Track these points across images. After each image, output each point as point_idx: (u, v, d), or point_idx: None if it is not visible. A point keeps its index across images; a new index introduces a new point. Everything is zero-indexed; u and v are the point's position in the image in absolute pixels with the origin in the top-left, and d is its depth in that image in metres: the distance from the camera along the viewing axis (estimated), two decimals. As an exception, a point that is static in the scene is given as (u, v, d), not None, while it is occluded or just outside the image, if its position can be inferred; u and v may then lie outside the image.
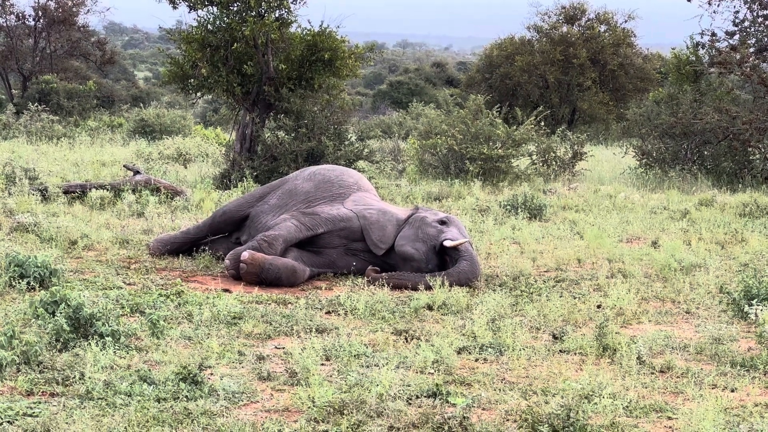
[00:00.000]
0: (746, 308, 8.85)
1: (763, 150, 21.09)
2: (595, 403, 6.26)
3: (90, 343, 7.11)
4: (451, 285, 9.80)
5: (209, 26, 17.73)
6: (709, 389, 6.86)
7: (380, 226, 10.73)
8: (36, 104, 29.22)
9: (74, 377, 6.56)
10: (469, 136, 20.08)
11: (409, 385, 6.66)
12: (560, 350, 7.80)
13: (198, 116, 40.16)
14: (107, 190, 14.92)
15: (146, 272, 10.38)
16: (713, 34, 23.11)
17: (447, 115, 21.53)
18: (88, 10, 37.39)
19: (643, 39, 37.83)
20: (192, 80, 18.22)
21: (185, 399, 6.25)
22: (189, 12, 18.02)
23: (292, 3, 17.90)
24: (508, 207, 15.31)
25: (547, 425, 5.81)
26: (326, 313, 8.93)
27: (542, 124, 21.61)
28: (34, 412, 5.95)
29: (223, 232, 11.49)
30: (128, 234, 12.33)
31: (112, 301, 8.57)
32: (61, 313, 7.36)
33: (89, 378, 6.52)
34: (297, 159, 17.27)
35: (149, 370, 6.72)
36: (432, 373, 7.06)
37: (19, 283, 9.14)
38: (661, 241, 12.80)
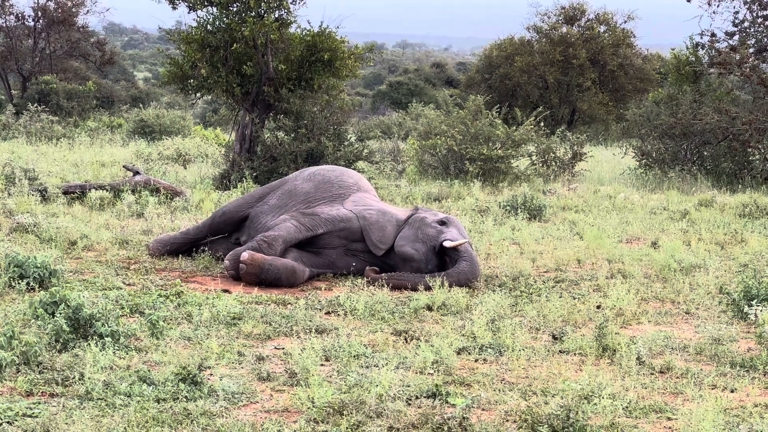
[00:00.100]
0: (746, 309, 8.85)
1: (762, 150, 21.09)
2: (595, 404, 6.26)
3: (89, 344, 7.11)
4: (450, 285, 9.80)
5: (209, 27, 17.73)
6: (708, 390, 6.86)
7: (380, 227, 10.73)
8: (35, 105, 29.21)
9: (74, 378, 6.56)
10: (468, 136, 20.09)
11: (408, 386, 6.66)
12: (560, 351, 7.80)
13: (197, 117, 40.14)
14: (107, 190, 14.92)
15: (146, 273, 10.38)
16: (713, 35, 23.12)
17: (446, 116, 21.53)
18: (88, 11, 37.43)
19: (643, 39, 37.87)
20: (191, 81, 18.21)
21: (185, 399, 6.25)
22: (188, 12, 18.02)
23: (291, 3, 17.91)
24: (508, 207, 15.31)
25: (546, 426, 5.81)
26: (326, 313, 8.93)
27: (542, 124, 21.61)
28: (33, 413, 5.95)
29: (223, 233, 11.49)
30: (128, 234, 12.33)
31: (111, 302, 8.57)
32: (60, 313, 7.36)
33: (89, 378, 6.52)
34: (296, 159, 17.27)
35: (149, 370, 6.71)
36: (431, 374, 7.05)
37: (18, 283, 9.14)
38: (661, 242, 12.80)
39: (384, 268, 10.57)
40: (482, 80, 36.40)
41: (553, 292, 9.83)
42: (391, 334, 8.16)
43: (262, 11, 17.65)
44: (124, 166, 16.75)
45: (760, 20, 23.15)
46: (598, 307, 9.34)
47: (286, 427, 5.92)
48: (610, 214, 15.69)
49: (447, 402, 6.42)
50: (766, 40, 22.98)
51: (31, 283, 9.19)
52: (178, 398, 6.27)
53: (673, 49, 26.33)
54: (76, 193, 14.93)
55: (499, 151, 19.80)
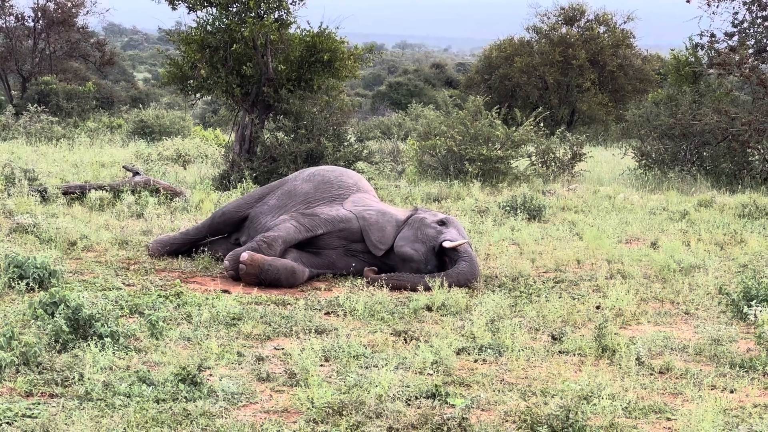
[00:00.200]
0: (745, 309, 8.85)
1: (762, 151, 21.09)
2: (594, 404, 6.26)
3: (89, 344, 7.11)
4: (450, 286, 9.80)
5: (208, 27, 17.73)
6: (708, 390, 6.86)
7: (379, 227, 10.74)
8: (35, 105, 29.21)
9: (73, 378, 6.56)
10: (468, 137, 20.09)
11: (408, 386, 6.66)
12: (559, 351, 7.80)
13: (197, 117, 40.14)
14: (106, 191, 14.92)
15: (145, 273, 10.38)
16: (712, 36, 23.13)
17: (446, 116, 21.54)
18: (88, 11, 37.41)
19: (643, 40, 37.88)
20: (191, 81, 18.21)
21: (184, 400, 6.26)
22: (188, 13, 18.01)
23: (291, 4, 17.91)
24: (508, 208, 15.31)
25: (546, 426, 5.82)
26: (325, 314, 8.93)
27: (541, 125, 21.61)
28: (33, 413, 5.95)
29: (223, 233, 11.49)
30: (127, 235, 12.34)
31: (111, 302, 8.57)
32: (60, 314, 7.36)
33: (88, 379, 6.52)
34: (296, 160, 17.27)
35: (148, 371, 6.72)
36: (431, 374, 7.06)
37: (18, 284, 9.14)
38: (661, 242, 12.80)
39: (383, 269, 10.58)
40: (482, 81, 36.41)
41: (553, 293, 9.83)
42: (391, 334, 8.16)
43: (262, 12, 17.66)
44: (123, 167, 16.75)
45: (759, 21, 23.16)
46: (598, 307, 9.35)
47: (285, 428, 5.93)
48: (609, 214, 15.69)
49: (446, 402, 6.42)
50: (765, 40, 22.99)
51: (31, 284, 9.19)
52: (177, 399, 6.27)
53: (672, 50, 26.34)
54: (75, 194, 14.93)
55: (499, 151, 19.80)
